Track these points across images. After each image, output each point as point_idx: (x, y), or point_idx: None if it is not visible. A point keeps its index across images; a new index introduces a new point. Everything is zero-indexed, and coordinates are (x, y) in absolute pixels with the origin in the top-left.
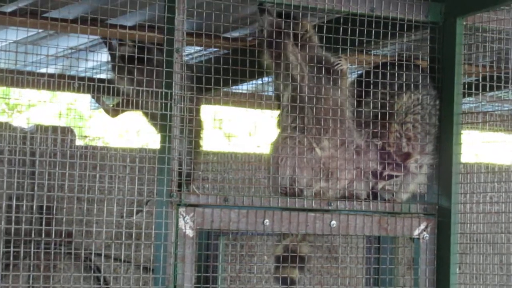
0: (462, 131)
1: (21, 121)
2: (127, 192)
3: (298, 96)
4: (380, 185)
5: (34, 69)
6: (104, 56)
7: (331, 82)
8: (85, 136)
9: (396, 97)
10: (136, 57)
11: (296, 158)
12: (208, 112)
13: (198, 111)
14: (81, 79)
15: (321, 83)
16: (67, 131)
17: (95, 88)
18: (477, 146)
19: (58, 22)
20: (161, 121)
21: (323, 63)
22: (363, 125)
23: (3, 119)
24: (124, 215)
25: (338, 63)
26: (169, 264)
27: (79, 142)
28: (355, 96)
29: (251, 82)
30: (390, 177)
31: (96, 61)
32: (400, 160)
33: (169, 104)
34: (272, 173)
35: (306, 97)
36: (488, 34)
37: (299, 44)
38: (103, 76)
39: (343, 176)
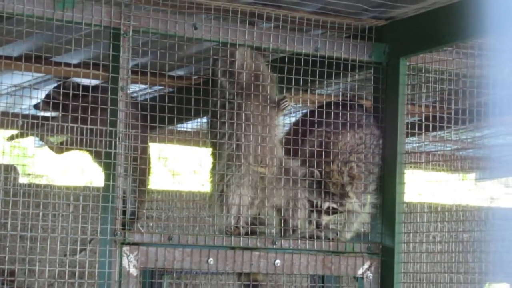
0: (406, 171)
1: None
2: (70, 231)
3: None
4: (323, 221)
5: None
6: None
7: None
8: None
9: (339, 136)
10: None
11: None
12: (153, 150)
13: (143, 149)
14: (25, 116)
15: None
16: (10, 169)
17: (39, 125)
18: (420, 186)
19: (2, 59)
20: (105, 159)
21: (270, 101)
22: (307, 162)
23: None
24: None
25: (285, 102)
26: None
27: (22, 180)
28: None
29: (196, 120)
30: (334, 211)
31: (41, 99)
32: (340, 197)
33: (113, 142)
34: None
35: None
36: (431, 74)
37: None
38: (47, 114)
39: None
